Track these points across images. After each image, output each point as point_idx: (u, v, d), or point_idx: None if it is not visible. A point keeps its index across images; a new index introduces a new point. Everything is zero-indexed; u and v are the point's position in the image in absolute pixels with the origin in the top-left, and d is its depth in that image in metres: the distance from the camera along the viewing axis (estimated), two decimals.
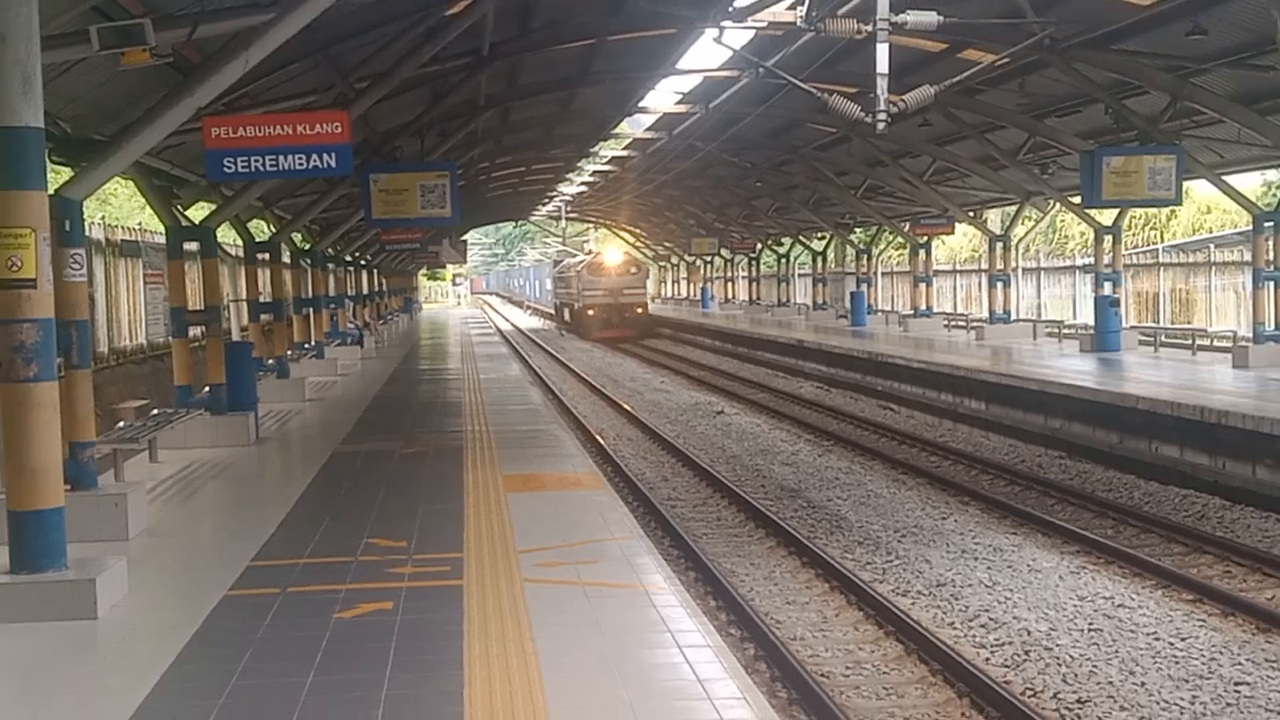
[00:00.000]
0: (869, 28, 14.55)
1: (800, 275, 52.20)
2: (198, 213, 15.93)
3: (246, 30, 9.26)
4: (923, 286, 34.69)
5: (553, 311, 64.15)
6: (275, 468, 12.88)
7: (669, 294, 74.06)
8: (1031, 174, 25.79)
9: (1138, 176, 19.65)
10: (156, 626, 6.60)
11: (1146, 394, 15.91)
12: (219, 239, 16.55)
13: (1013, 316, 29.82)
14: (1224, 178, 21.64)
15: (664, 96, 27.38)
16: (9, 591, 6.66)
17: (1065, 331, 27.88)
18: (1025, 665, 8.52)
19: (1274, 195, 37.83)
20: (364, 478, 11.41)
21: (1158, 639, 8.96)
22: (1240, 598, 9.89)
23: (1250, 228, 20.64)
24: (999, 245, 29.44)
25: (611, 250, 55.52)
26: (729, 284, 60.77)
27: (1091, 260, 25.58)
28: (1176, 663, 8.45)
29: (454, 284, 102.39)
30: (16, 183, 6.55)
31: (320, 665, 5.82)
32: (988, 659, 8.68)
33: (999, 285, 29.41)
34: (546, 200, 56.26)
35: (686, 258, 64.43)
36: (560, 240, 73.72)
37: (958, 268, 43.15)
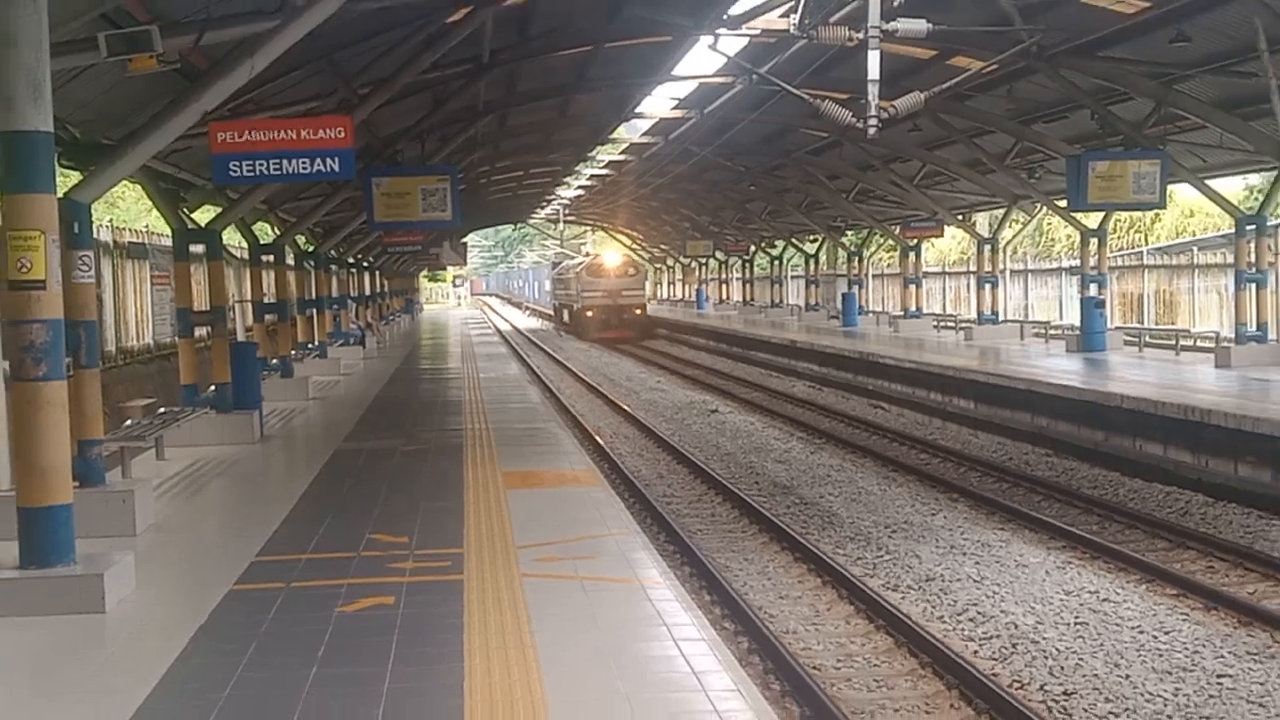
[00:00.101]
0: (860, 35, 14.55)
1: (793, 277, 52.22)
2: (204, 215, 15.94)
3: (252, 37, 9.26)
4: (912, 288, 34.70)
5: (551, 312, 64.07)
6: (279, 465, 12.86)
7: (665, 295, 74.04)
8: (1019, 178, 25.81)
9: (1123, 181, 19.67)
10: (163, 620, 6.60)
11: (1131, 393, 15.93)
12: (224, 241, 16.53)
13: (1000, 317, 29.86)
14: (1207, 182, 21.68)
15: (660, 102, 27.42)
16: (19, 586, 6.66)
17: (1052, 332, 27.91)
18: (1013, 658, 8.53)
19: (1256, 199, 37.68)
20: (366, 475, 11.41)
21: (1142, 632, 8.98)
22: (1222, 592, 9.91)
23: (1232, 231, 20.66)
24: (987, 248, 29.49)
25: (610, 252, 55.42)
26: (723, 285, 60.76)
27: (1077, 262, 25.60)
28: (1160, 656, 8.47)
29: (454, 285, 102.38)
30: (26, 186, 6.55)
31: (323, 658, 5.81)
32: (976, 652, 8.68)
33: (987, 287, 29.47)
34: (545, 203, 56.22)
35: (682, 260, 64.43)
36: (558, 243, 73.68)
37: (947, 270, 43.16)
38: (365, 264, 40.33)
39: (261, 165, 10.58)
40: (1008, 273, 33.94)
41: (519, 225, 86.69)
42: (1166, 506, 13.59)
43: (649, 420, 21.65)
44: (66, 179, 9.69)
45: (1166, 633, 8.96)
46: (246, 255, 22.04)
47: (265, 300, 20.35)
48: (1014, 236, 33.21)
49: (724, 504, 14.27)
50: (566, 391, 27.49)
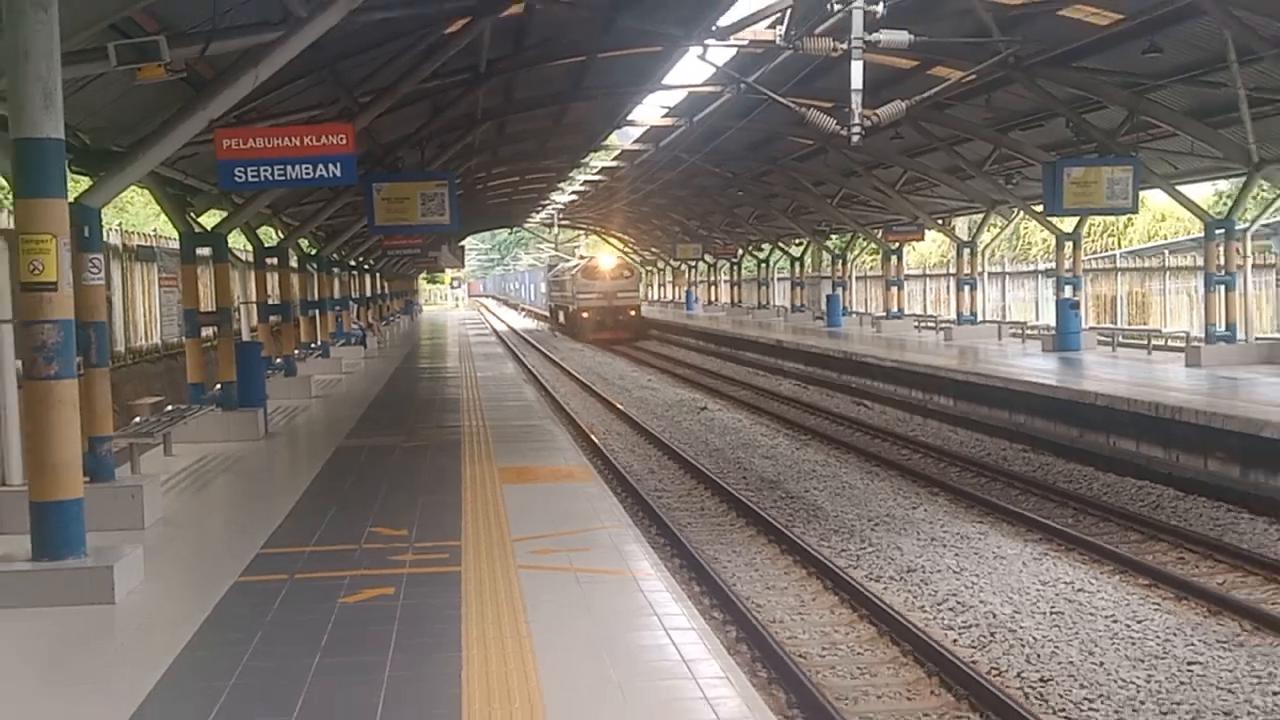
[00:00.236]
0: (844, 46, 14.57)
1: (779, 279, 52.18)
2: (210, 220, 15.91)
3: (257, 47, 9.25)
4: (894, 290, 34.74)
5: (547, 314, 63.90)
6: (283, 461, 12.85)
7: (655, 297, 73.99)
8: (997, 184, 25.86)
9: (1097, 186, 19.70)
10: (171, 611, 6.59)
11: (1105, 391, 15.97)
12: (230, 244, 16.50)
13: (979, 318, 29.88)
14: (1178, 187, 21.72)
15: (651, 110, 27.38)
16: (32, 578, 6.65)
17: (1028, 332, 27.94)
18: (991, 646, 8.54)
19: (1225, 204, 37.88)
20: (367, 470, 11.39)
21: (1115, 621, 9.00)
22: (1193, 582, 9.94)
23: (1202, 235, 20.71)
24: (966, 251, 29.52)
25: (605, 255, 55.23)
26: (712, 287, 60.72)
27: (1053, 265, 25.66)
28: (1133, 644, 8.49)
29: (452, 287, 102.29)
30: (38, 191, 6.54)
31: (326, 648, 5.81)
32: (955, 640, 8.70)
33: (966, 289, 29.50)
34: (540, 208, 56.15)
35: (672, 262, 64.40)
36: (553, 246, 73.65)
37: (927, 272, 43.23)
38: (366, 266, 40.25)
39: (266, 171, 10.57)
40: (986, 275, 33.97)
41: (515, 229, 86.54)
42: (1139, 500, 13.62)
43: (641, 417, 21.64)
44: (77, 184, 9.67)
45: (1139, 622, 8.98)
46: (251, 258, 21.99)
47: (269, 302, 20.31)
48: (992, 240, 33.25)
49: (713, 498, 14.28)
50: (561, 390, 27.47)
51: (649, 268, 74.40)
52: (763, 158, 32.55)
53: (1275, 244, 23.62)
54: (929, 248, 50.44)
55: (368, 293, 40.97)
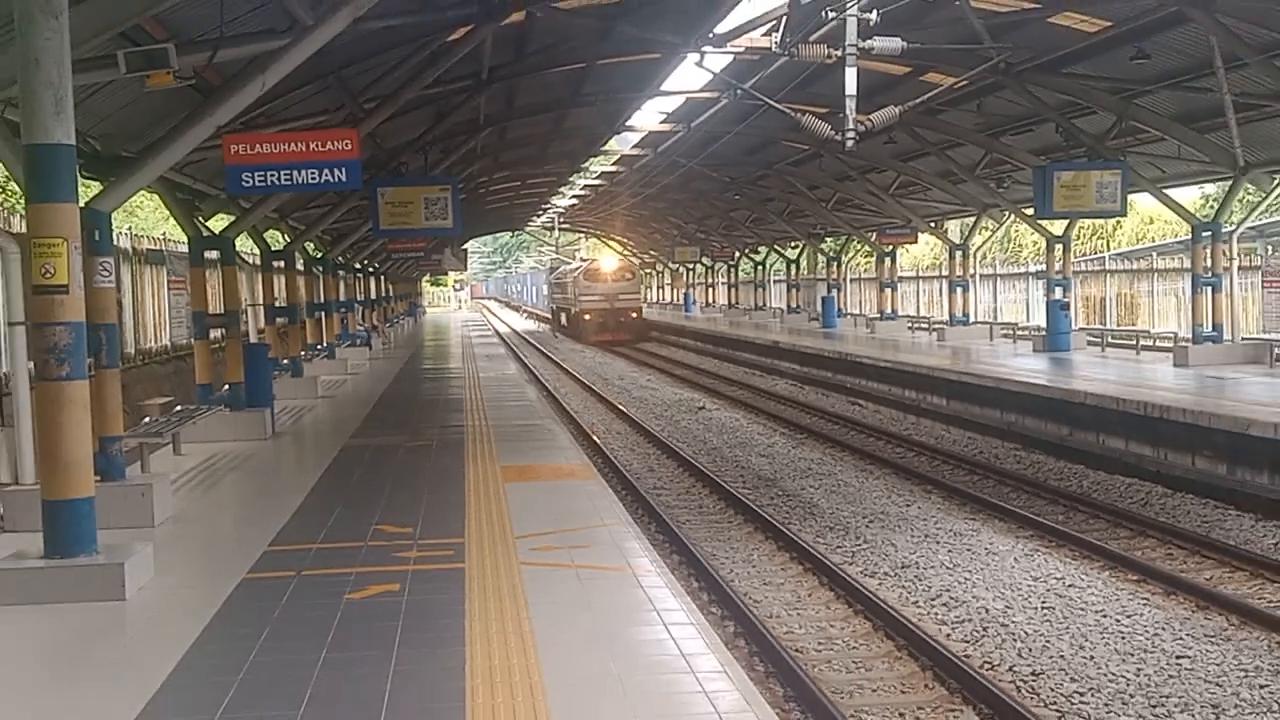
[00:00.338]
0: (838, 53, 14.59)
1: (775, 281, 52.15)
2: (218, 224, 15.92)
3: (263, 55, 9.25)
4: (888, 291, 34.69)
5: (549, 316, 63.75)
6: (290, 460, 12.84)
7: (654, 299, 73.95)
8: (988, 188, 25.86)
9: (1086, 190, 19.71)
10: (180, 607, 6.58)
11: (1094, 390, 15.97)
12: (237, 248, 16.49)
13: (971, 319, 29.88)
14: (1165, 191, 21.72)
15: (649, 116, 27.35)
16: (44, 575, 6.65)
17: (1019, 333, 27.96)
18: (983, 640, 8.54)
19: (1211, 207, 37.90)
20: (372, 469, 11.39)
21: (1105, 616, 9.00)
22: (1181, 578, 9.94)
23: (1189, 237, 20.72)
24: (958, 253, 29.53)
25: (607, 257, 55.00)
26: (709, 289, 60.71)
27: (1043, 267, 25.64)
28: (1123, 638, 8.49)
29: (455, 290, 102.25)
30: (50, 196, 6.54)
31: (333, 643, 5.81)
32: (949, 635, 8.70)
33: (958, 290, 29.50)
34: (541, 212, 56.08)
35: (670, 265, 64.39)
36: (554, 249, 73.61)
37: (920, 274, 43.16)
38: (371, 269, 40.22)
39: (273, 176, 10.56)
40: (978, 277, 33.95)
41: (516, 232, 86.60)
42: (1128, 497, 13.62)
43: (640, 417, 21.64)
44: (88, 189, 9.68)
45: (1128, 616, 8.98)
46: (258, 261, 22.00)
47: (276, 304, 20.30)
48: (984, 243, 33.28)
49: (711, 496, 14.28)
50: (562, 390, 27.46)
51: (648, 270, 74.38)
52: (759, 162, 32.55)
53: (1261, 246, 23.60)
54: (922, 250, 50.45)
55: (372, 295, 40.93)
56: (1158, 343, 23.05)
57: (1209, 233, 19.92)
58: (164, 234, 24.67)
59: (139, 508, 8.58)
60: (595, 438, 18.64)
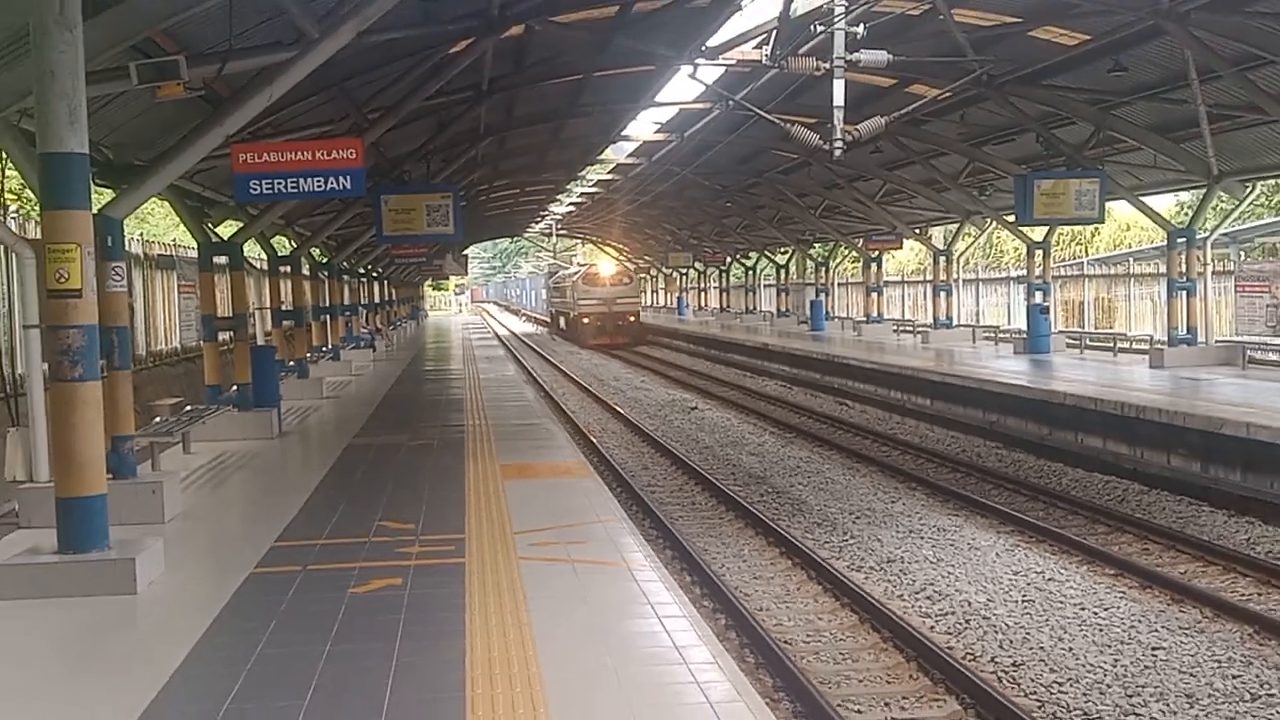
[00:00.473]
0: (826, 65, 14.60)
1: (765, 285, 52.14)
2: (226, 230, 15.87)
3: (271, 67, 9.24)
4: (874, 295, 34.74)
5: (548, 319, 63.57)
6: (296, 458, 12.82)
7: (649, 303, 73.95)
8: (971, 195, 25.90)
9: (1065, 198, 19.76)
10: (190, 601, 6.58)
11: (1073, 391, 15.99)
12: (245, 253, 16.47)
13: (954, 322, 29.93)
14: (1142, 199, 21.78)
15: (644, 126, 27.38)
16: (58, 570, 6.64)
17: (1001, 336, 27.99)
18: (966, 632, 8.56)
19: (1186, 214, 37.90)
20: (376, 467, 11.38)
21: (1084, 609, 9.02)
22: (1157, 572, 9.96)
23: (1165, 243, 20.77)
24: (942, 259, 29.59)
25: (606, 261, 54.81)
26: (702, 294, 60.74)
27: (1024, 272, 25.69)
28: (1100, 630, 8.51)
29: (456, 294, 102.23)
30: (64, 203, 6.54)
31: (337, 635, 5.81)
32: (933, 627, 8.71)
33: (942, 294, 29.55)
34: (539, 218, 56.06)
35: (664, 270, 64.41)
36: (551, 254, 73.61)
37: (905, 279, 43.22)
38: (374, 274, 40.15)
39: (280, 184, 10.55)
40: (961, 281, 34.02)
41: (516, 238, 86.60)
42: (1105, 494, 13.65)
43: (635, 417, 21.64)
44: (100, 196, 9.66)
45: (1106, 609, 9.00)
46: (266, 266, 21.96)
47: (283, 307, 20.29)
48: (966, 249, 33.29)
49: (703, 493, 14.28)
50: (559, 391, 27.45)
51: (642, 275, 74.39)
52: (750, 171, 32.58)
53: (1233, 252, 23.65)
54: (907, 256, 50.43)
55: (376, 299, 40.87)
56: (1134, 345, 23.09)
57: (1184, 239, 19.97)
58: (174, 240, 24.65)
59: (150, 505, 8.58)
60: (591, 437, 18.63)
